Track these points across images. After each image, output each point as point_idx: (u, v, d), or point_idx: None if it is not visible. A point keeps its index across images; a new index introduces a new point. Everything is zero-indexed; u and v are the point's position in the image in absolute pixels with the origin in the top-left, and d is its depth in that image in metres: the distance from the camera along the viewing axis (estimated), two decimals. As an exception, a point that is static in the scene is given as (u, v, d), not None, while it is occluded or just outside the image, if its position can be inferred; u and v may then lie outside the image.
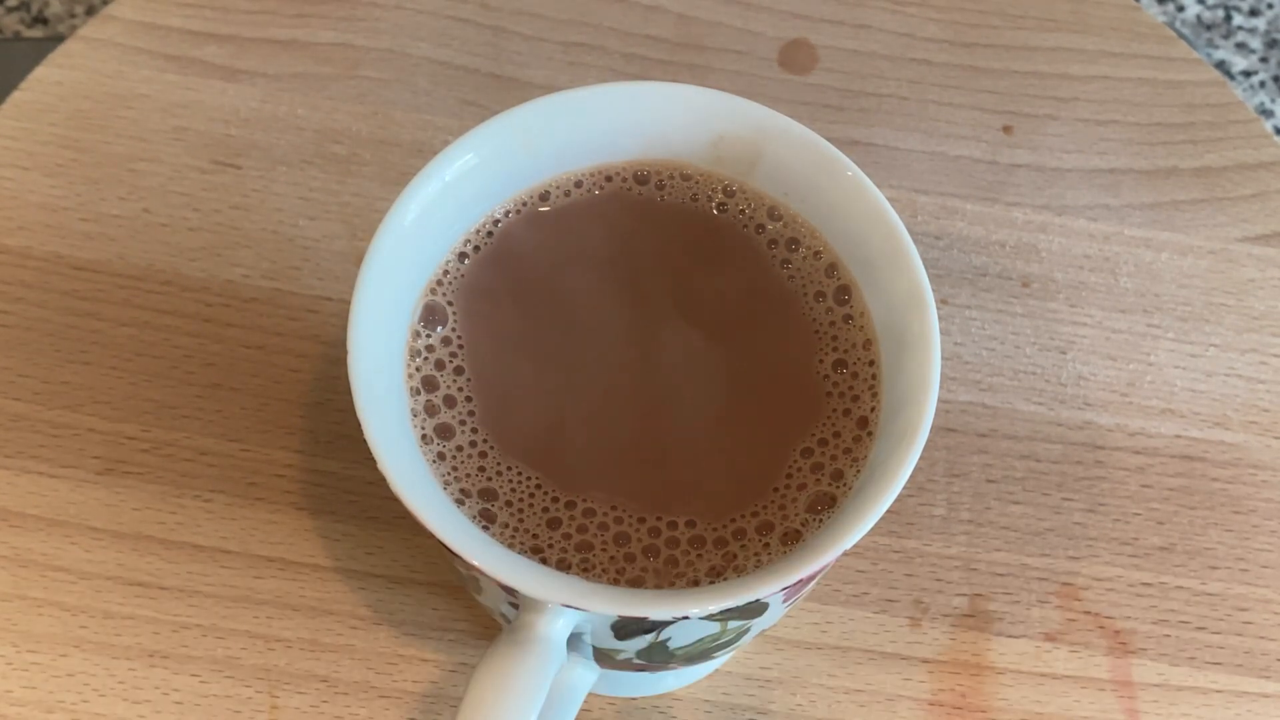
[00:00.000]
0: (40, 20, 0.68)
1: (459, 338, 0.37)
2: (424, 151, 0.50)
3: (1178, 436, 0.47)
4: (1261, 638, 0.44)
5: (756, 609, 0.34)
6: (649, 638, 0.34)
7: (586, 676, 0.37)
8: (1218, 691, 0.43)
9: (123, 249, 0.48)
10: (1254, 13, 0.71)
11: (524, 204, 0.38)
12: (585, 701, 0.38)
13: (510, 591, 0.32)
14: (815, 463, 0.35)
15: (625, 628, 0.33)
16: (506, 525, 0.34)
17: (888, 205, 0.37)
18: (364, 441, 0.33)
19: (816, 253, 0.38)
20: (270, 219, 0.49)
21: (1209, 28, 0.71)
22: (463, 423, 0.35)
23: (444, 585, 0.43)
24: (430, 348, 0.36)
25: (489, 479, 0.35)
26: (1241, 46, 0.70)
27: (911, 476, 0.33)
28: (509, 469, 0.35)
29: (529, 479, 0.35)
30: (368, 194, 0.50)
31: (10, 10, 0.68)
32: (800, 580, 0.32)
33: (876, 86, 0.53)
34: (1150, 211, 0.51)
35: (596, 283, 0.38)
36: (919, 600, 0.44)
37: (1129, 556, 0.45)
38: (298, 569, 0.43)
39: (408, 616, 0.43)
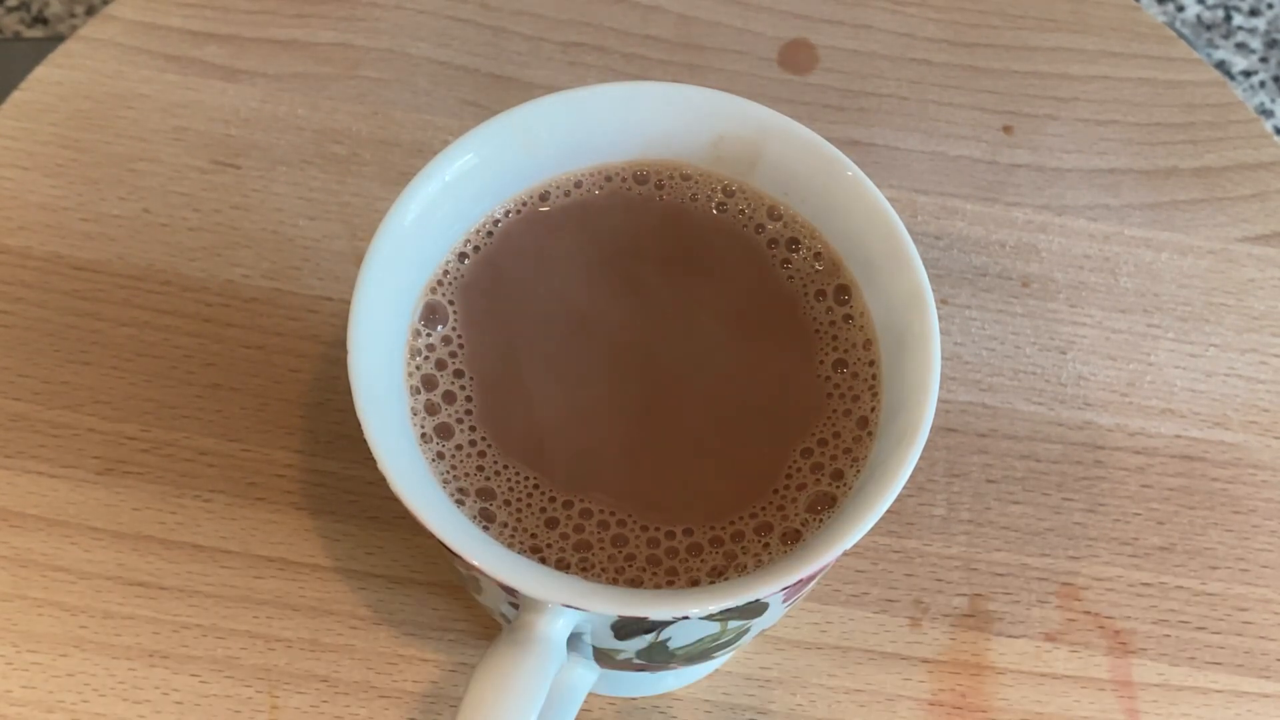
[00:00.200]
0: (40, 20, 0.68)
1: (459, 336, 0.37)
2: (424, 151, 0.50)
3: (1178, 436, 0.47)
4: (1261, 638, 0.44)
5: (756, 609, 0.34)
6: (649, 638, 0.34)
7: (586, 676, 0.37)
8: (1218, 691, 0.43)
9: (123, 249, 0.48)
10: (1254, 13, 0.71)
11: (524, 204, 0.38)
12: (585, 701, 0.38)
13: (510, 591, 0.32)
14: (815, 463, 0.35)
15: (625, 628, 0.33)
16: (505, 525, 0.34)
17: (888, 205, 0.37)
18: (364, 441, 0.33)
19: (816, 253, 0.38)
20: (270, 219, 0.49)
21: (1209, 28, 0.71)
22: (460, 421, 0.35)
23: (444, 585, 0.43)
24: (431, 346, 0.36)
25: (487, 478, 0.35)
26: (1241, 46, 0.70)
27: (911, 476, 0.33)
28: (507, 468, 0.35)
29: (527, 479, 0.35)
30: (368, 194, 0.50)
31: (10, 10, 0.68)
32: (800, 580, 0.32)
33: (876, 86, 0.53)
34: (1150, 211, 0.51)
35: (596, 283, 0.38)
36: (919, 600, 0.44)
37: (1129, 556, 0.45)
38: (298, 569, 0.43)
39: (408, 616, 0.43)
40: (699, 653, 0.36)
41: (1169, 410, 0.47)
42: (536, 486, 0.35)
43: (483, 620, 0.43)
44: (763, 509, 0.35)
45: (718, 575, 0.34)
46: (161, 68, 0.52)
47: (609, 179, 0.39)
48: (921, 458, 0.39)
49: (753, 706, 0.42)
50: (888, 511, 0.33)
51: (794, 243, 0.38)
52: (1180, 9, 0.71)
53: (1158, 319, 0.49)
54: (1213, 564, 0.45)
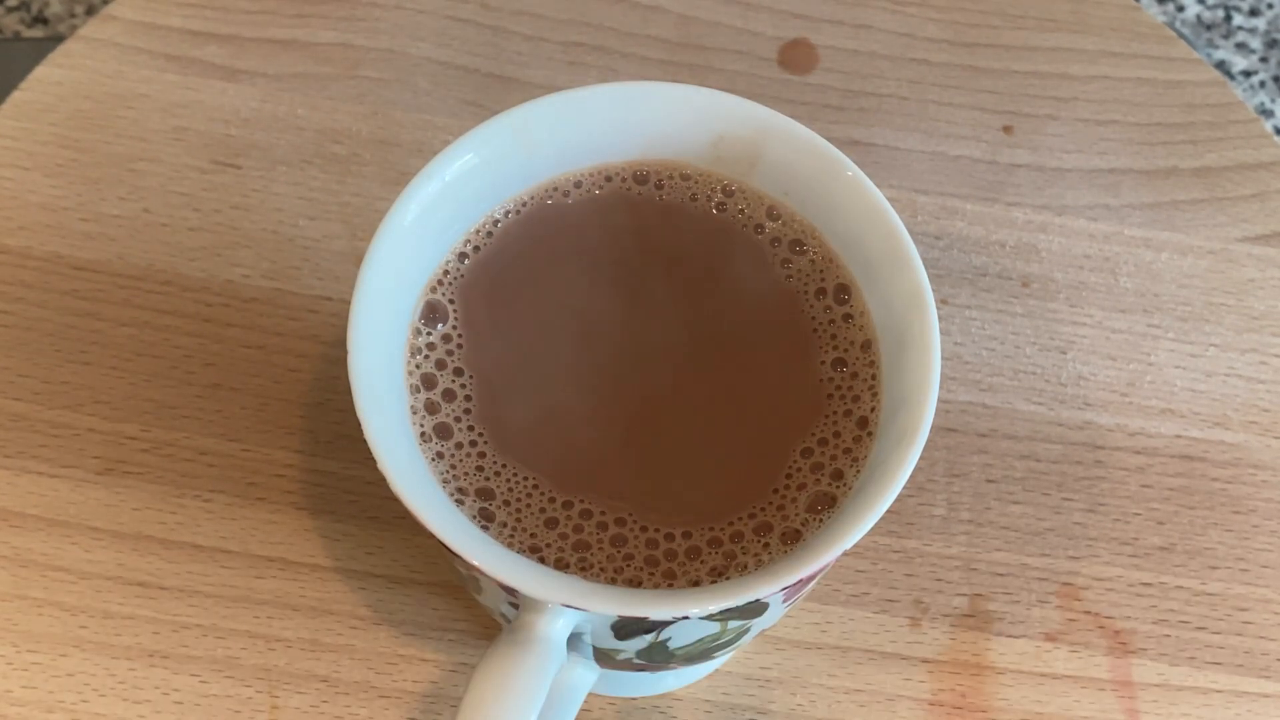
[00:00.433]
0: (40, 20, 0.68)
1: (459, 335, 0.37)
2: (424, 151, 0.50)
3: (1178, 436, 0.47)
4: (1261, 638, 0.44)
5: (756, 609, 0.34)
6: (649, 638, 0.34)
7: (586, 676, 0.37)
8: (1218, 691, 0.43)
9: (123, 249, 0.48)
10: (1254, 13, 0.71)
11: (524, 204, 0.38)
12: (585, 701, 0.38)
13: (510, 591, 0.32)
14: (815, 463, 0.35)
15: (625, 628, 0.33)
16: (505, 525, 0.34)
17: (888, 205, 0.37)
18: (364, 441, 0.33)
19: (816, 252, 0.38)
20: (270, 219, 0.49)
21: (1209, 28, 0.71)
22: (459, 420, 0.35)
23: (444, 585, 0.43)
24: (431, 345, 0.36)
25: (487, 478, 0.35)
26: (1241, 46, 0.70)
27: (911, 476, 0.33)
28: (506, 468, 0.35)
29: (526, 479, 0.35)
30: (368, 194, 0.50)
31: (10, 10, 0.68)
32: (800, 580, 0.32)
33: (876, 86, 0.53)
34: (1150, 211, 0.51)
35: (596, 283, 0.38)
36: (919, 600, 0.44)
37: (1129, 556, 0.45)
38: (298, 569, 0.43)
39: (408, 616, 0.43)
40: (699, 653, 0.36)
41: (1169, 410, 0.48)
42: (536, 486, 0.35)
43: (483, 620, 0.43)
44: (762, 509, 0.35)
45: (718, 575, 0.34)
46: (161, 68, 0.52)
47: (609, 179, 0.39)
48: (921, 458, 0.39)
49: (753, 706, 0.42)
50: (888, 511, 0.33)
51: (793, 242, 0.38)
52: (1180, 9, 0.71)
53: (1158, 319, 0.49)
54: (1213, 564, 0.45)
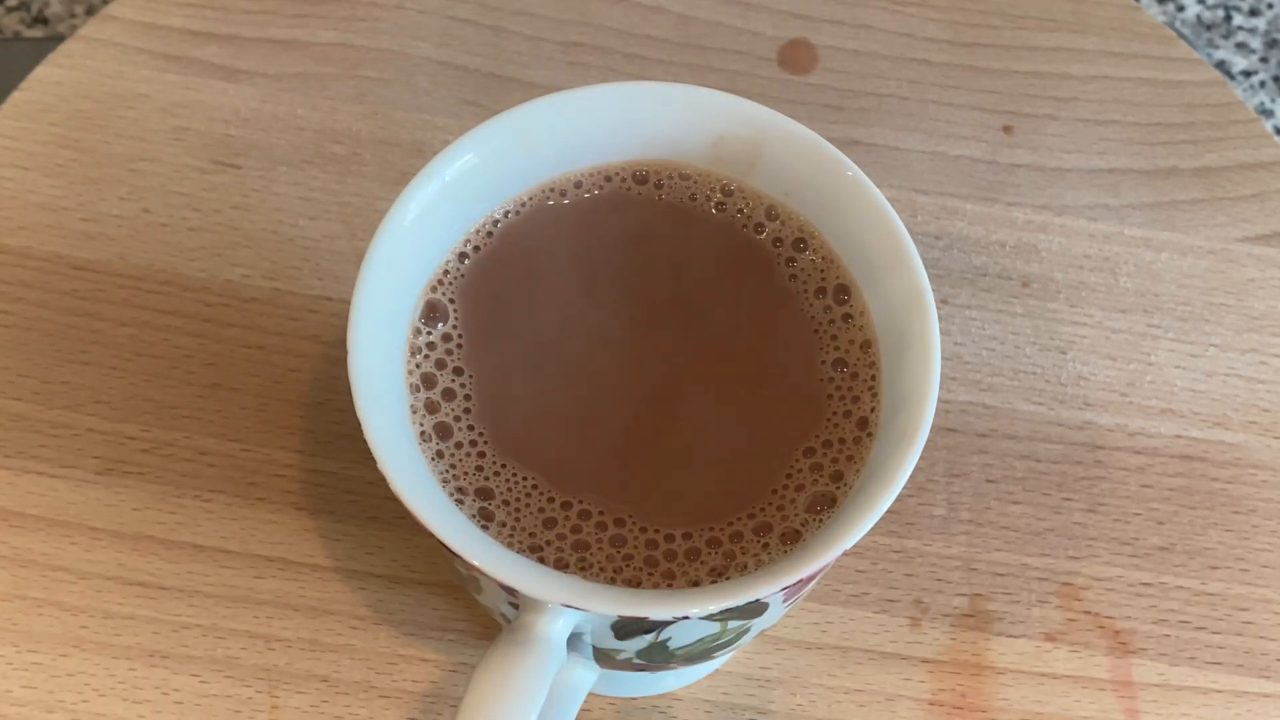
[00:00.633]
0: (40, 20, 0.68)
1: (459, 335, 0.37)
2: (424, 151, 0.50)
3: (1178, 436, 0.47)
4: (1261, 638, 0.44)
5: (756, 609, 0.34)
6: (649, 638, 0.34)
7: (586, 676, 0.37)
8: (1218, 691, 0.43)
9: (123, 249, 0.48)
10: (1254, 13, 0.71)
11: (524, 204, 0.38)
12: (585, 701, 0.38)
13: (510, 591, 0.32)
14: (815, 463, 0.35)
15: (625, 628, 0.33)
16: (504, 524, 0.34)
17: (888, 205, 0.37)
18: (364, 441, 0.33)
19: (816, 252, 0.38)
20: (270, 219, 0.49)
21: (1209, 28, 0.71)
22: (459, 420, 0.35)
23: (444, 585, 0.43)
24: (431, 344, 0.36)
25: (486, 478, 0.35)
26: (1241, 46, 0.70)
27: (911, 476, 0.33)
28: (505, 467, 0.35)
29: (525, 479, 0.35)
30: (368, 194, 0.50)
31: (10, 10, 0.68)
32: (800, 580, 0.32)
33: (876, 86, 0.53)
34: (1150, 211, 0.51)
35: (596, 283, 0.38)
36: (919, 600, 0.44)
37: (1129, 556, 0.45)
38: (298, 569, 0.43)
39: (408, 616, 0.43)
40: (699, 653, 0.36)
41: (1169, 410, 0.47)
42: (535, 487, 0.35)
43: (483, 620, 0.43)
44: (761, 509, 0.35)
45: (717, 576, 0.34)
46: (161, 68, 0.52)
47: (609, 179, 0.39)
48: (921, 458, 0.39)
49: (753, 706, 0.42)
50: (888, 511, 0.33)
51: (793, 242, 0.38)
52: (1180, 9, 0.71)
53: (1158, 319, 0.49)
54: (1213, 564, 0.45)
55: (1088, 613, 0.44)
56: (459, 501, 0.34)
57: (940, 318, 0.37)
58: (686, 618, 0.32)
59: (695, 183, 0.39)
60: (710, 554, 0.34)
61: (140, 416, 0.45)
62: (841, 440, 0.36)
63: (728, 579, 0.34)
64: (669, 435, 0.36)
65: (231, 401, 0.46)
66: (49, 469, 0.44)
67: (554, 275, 0.38)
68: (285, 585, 0.43)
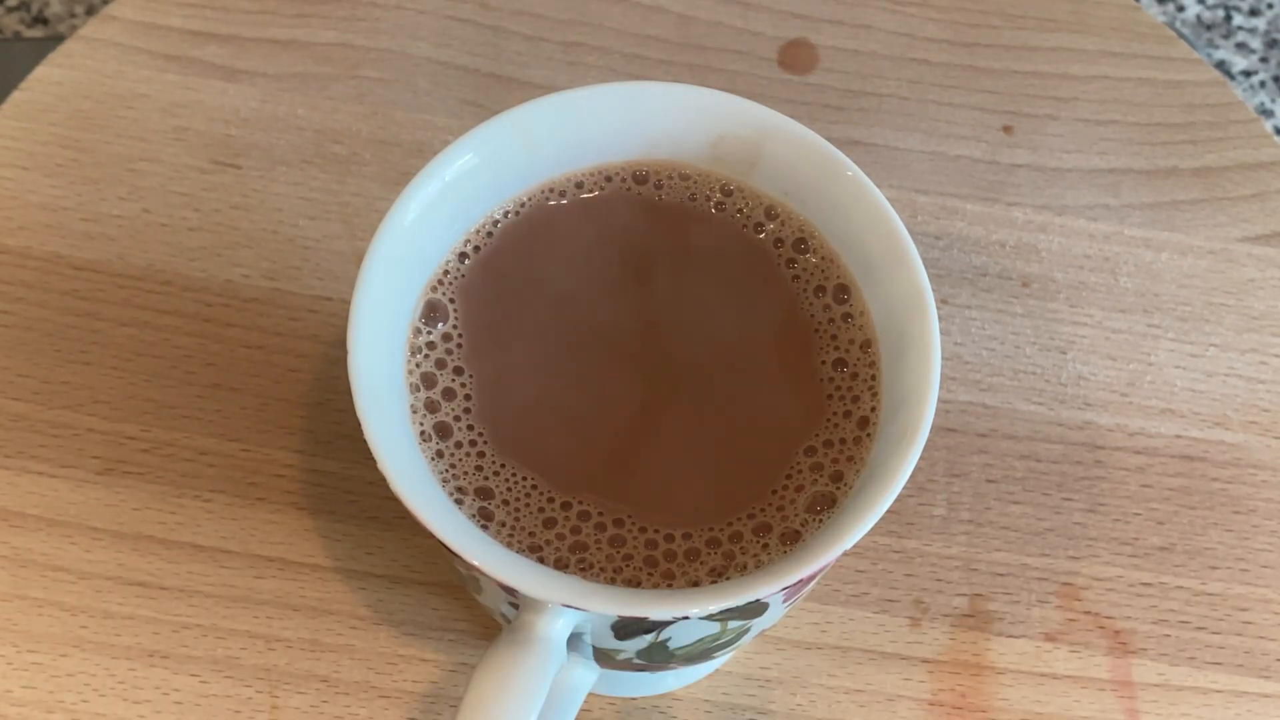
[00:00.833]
0: (40, 20, 0.68)
1: (459, 334, 0.37)
2: (424, 151, 0.50)
3: (1178, 436, 0.47)
4: (1261, 638, 0.44)
5: (756, 609, 0.34)
6: (649, 638, 0.34)
7: (586, 676, 0.37)
8: (1218, 691, 0.43)
9: (123, 249, 0.48)
10: (1254, 13, 0.71)
11: (524, 204, 0.38)
12: (585, 701, 0.38)
13: (510, 591, 0.32)
14: (815, 463, 0.35)
15: (625, 628, 0.33)
16: (504, 524, 0.34)
17: (888, 205, 0.37)
18: (364, 441, 0.33)
19: (816, 252, 0.38)
20: (270, 219, 0.49)
21: (1209, 28, 0.71)
22: (458, 419, 0.35)
23: (444, 585, 0.43)
24: (431, 344, 0.36)
25: (486, 478, 0.35)
26: (1241, 46, 0.70)
27: (911, 476, 0.33)
28: (505, 467, 0.35)
29: (525, 479, 0.35)
30: (368, 194, 0.50)
31: (10, 10, 0.68)
32: (800, 580, 0.32)
33: (876, 86, 0.53)
34: (1150, 211, 0.51)
35: (596, 283, 0.38)
36: (919, 600, 0.44)
37: (1129, 556, 0.45)
38: (298, 569, 0.43)
39: (408, 616, 0.43)
40: (699, 653, 0.36)
41: (1169, 410, 0.47)
42: (535, 487, 0.35)
43: (483, 620, 0.43)
44: (761, 510, 0.35)
45: (717, 576, 0.34)
46: (161, 68, 0.52)
47: (609, 179, 0.39)
48: (921, 458, 0.39)
49: (753, 706, 0.42)
50: (888, 511, 0.33)
51: (793, 242, 0.38)
52: (1180, 9, 0.71)
53: (1158, 319, 0.49)
54: (1213, 564, 0.45)
55: (1088, 613, 0.44)
56: (458, 501, 0.34)
57: (940, 318, 0.37)
58: (686, 618, 0.32)
59: (695, 183, 0.39)
60: (710, 554, 0.34)
61: (140, 416, 0.45)
62: (841, 440, 0.36)
63: (727, 579, 0.34)
64: (668, 435, 0.36)
65: (231, 401, 0.46)
66: (49, 469, 0.44)
67: (554, 275, 0.38)
68: (285, 585, 0.43)
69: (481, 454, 0.35)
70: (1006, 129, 0.53)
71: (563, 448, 0.35)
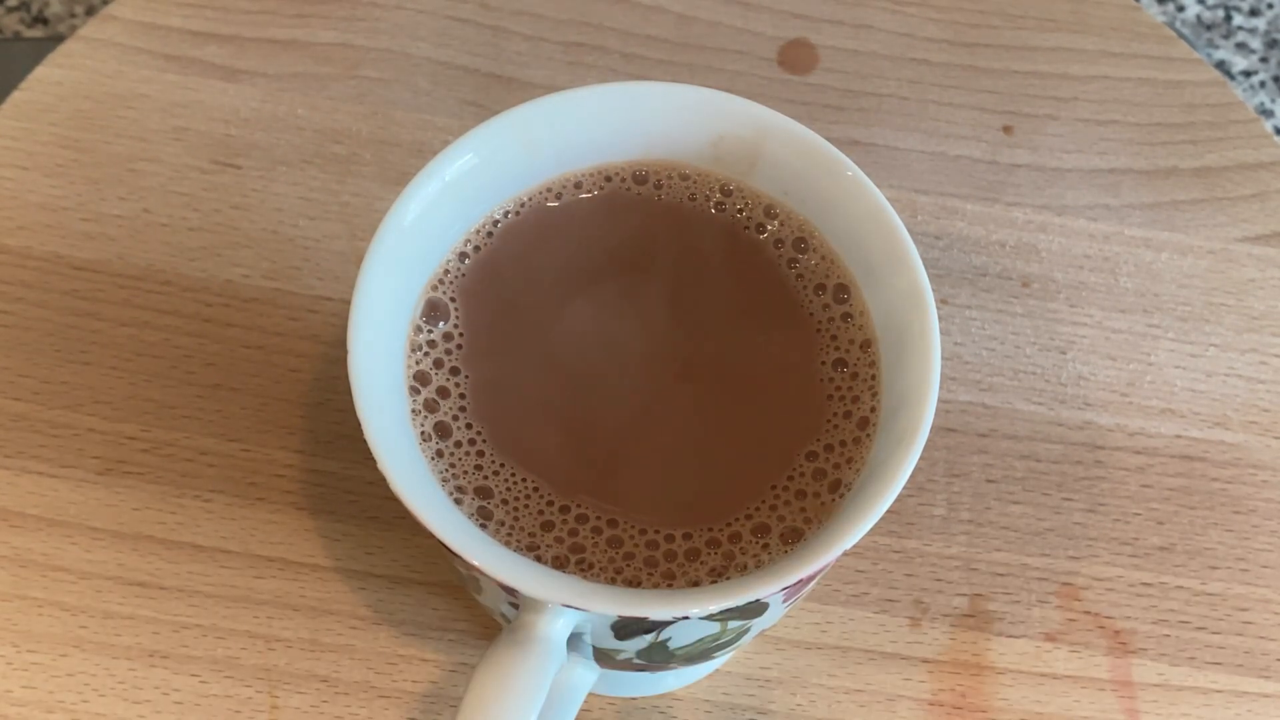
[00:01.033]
0: (40, 20, 0.68)
1: (459, 334, 0.37)
2: (424, 151, 0.50)
3: (1178, 436, 0.47)
4: (1261, 638, 0.44)
5: (756, 609, 0.34)
6: (649, 638, 0.34)
7: (586, 676, 0.37)
8: (1218, 691, 0.43)
9: (123, 249, 0.48)
10: (1254, 13, 0.71)
11: (524, 204, 0.38)
12: (585, 701, 0.38)
13: (510, 591, 0.32)
14: (815, 463, 0.35)
15: (625, 628, 0.33)
16: (503, 524, 0.34)
17: (888, 205, 0.37)
18: (364, 441, 0.33)
19: (816, 252, 0.38)
20: (270, 219, 0.49)
21: (1209, 28, 0.71)
22: (457, 419, 0.35)
23: (444, 585, 0.43)
24: (431, 343, 0.36)
25: (485, 477, 0.35)
26: (1241, 46, 0.70)
27: (911, 476, 0.33)
28: (504, 467, 0.35)
29: (524, 480, 0.35)
30: (368, 194, 0.50)
31: (10, 10, 0.68)
32: (800, 580, 0.32)
33: (876, 86, 0.53)
34: (1150, 211, 0.51)
35: (595, 282, 0.38)
36: (919, 600, 0.44)
37: (1129, 556, 0.45)
38: (298, 569, 0.43)
39: (408, 616, 0.43)
40: (699, 653, 0.36)
41: (1169, 410, 0.47)
42: (535, 489, 0.35)
43: (483, 620, 0.43)
44: (758, 509, 0.35)
45: (717, 576, 0.34)
46: (161, 68, 0.52)
47: (609, 179, 0.39)
48: (921, 458, 0.39)
49: (753, 706, 0.42)
50: (888, 511, 0.33)
51: (793, 242, 0.38)
52: (1180, 9, 0.71)
53: (1158, 319, 0.49)
54: (1213, 564, 0.45)
55: (1088, 613, 0.44)
56: (458, 501, 0.34)
57: (940, 318, 0.37)
58: (686, 618, 0.32)
59: (695, 183, 0.39)
60: (710, 554, 0.34)
61: (140, 416, 0.45)
62: (841, 440, 0.36)
63: (727, 579, 0.34)
64: (668, 435, 0.36)
65: (231, 401, 0.46)
66: (49, 469, 0.44)
67: (554, 275, 0.38)
68: (285, 585, 0.43)
69: (481, 453, 0.35)
70: (1006, 129, 0.53)
71: (562, 446, 0.35)
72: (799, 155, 0.38)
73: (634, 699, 0.42)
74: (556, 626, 0.32)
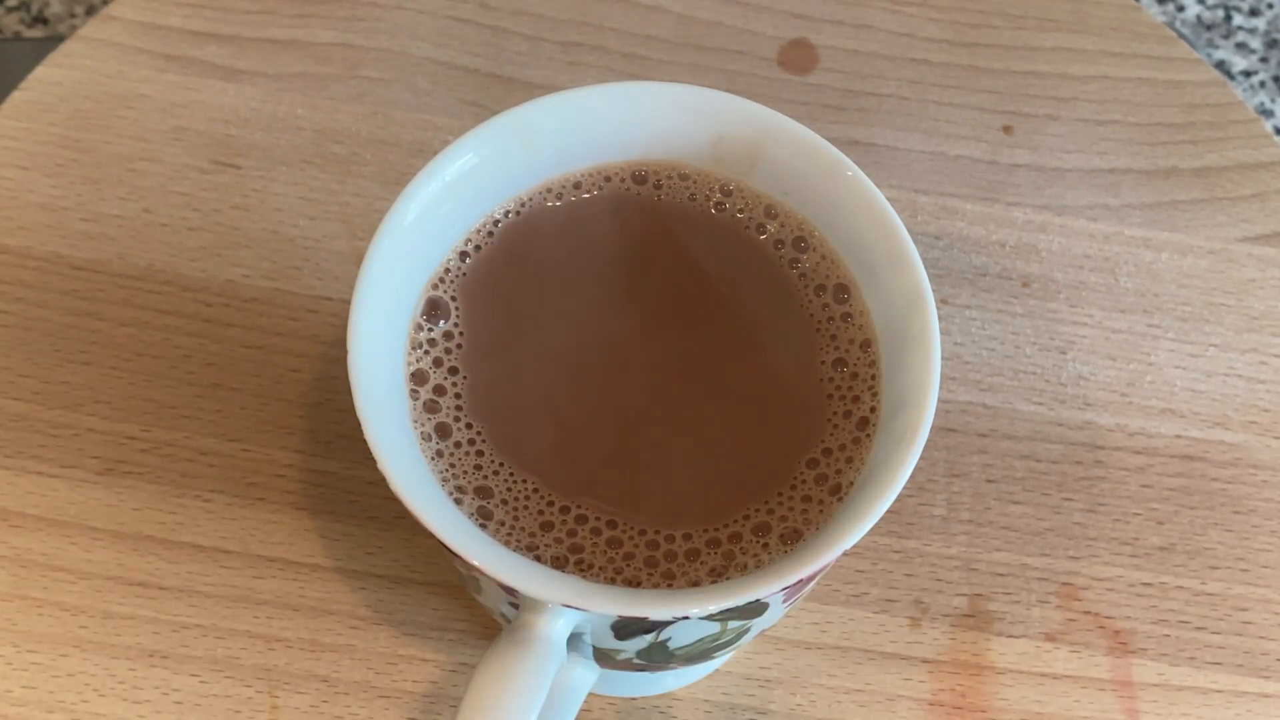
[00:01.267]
0: (40, 20, 0.68)
1: (460, 334, 0.37)
2: (424, 151, 0.50)
3: (1178, 436, 0.47)
4: (1261, 638, 0.44)
5: (756, 609, 0.34)
6: (649, 638, 0.34)
7: (586, 676, 0.37)
8: (1218, 691, 0.43)
9: (123, 249, 0.48)
10: (1254, 13, 0.71)
11: (524, 204, 0.38)
12: (585, 701, 0.38)
13: (510, 591, 0.32)
14: (814, 463, 0.35)
15: (625, 628, 0.33)
16: (503, 524, 0.34)
17: (888, 205, 0.37)
18: (364, 441, 0.33)
19: (816, 252, 0.38)
20: (270, 219, 0.49)
21: (1209, 28, 0.71)
22: (457, 419, 0.35)
23: (444, 585, 0.43)
24: (432, 341, 0.36)
25: (485, 477, 0.35)
26: (1241, 46, 0.70)
27: (911, 476, 0.33)
28: (504, 467, 0.35)
29: (524, 480, 0.35)
30: (368, 194, 0.50)
31: (10, 10, 0.68)
32: (800, 580, 0.32)
33: (876, 86, 0.53)
34: (1150, 211, 0.51)
35: (595, 283, 0.38)
36: (919, 600, 0.44)
37: (1129, 556, 0.45)
38: (298, 569, 0.43)
39: (408, 616, 0.43)
40: (699, 653, 0.36)
41: (1169, 410, 0.47)
42: (535, 490, 0.35)
43: (483, 620, 0.43)
44: (756, 510, 0.35)
45: (717, 576, 0.34)
46: (161, 68, 0.52)
47: (608, 179, 0.39)
48: (921, 458, 0.39)
49: (753, 706, 0.42)
50: (888, 511, 0.33)
51: (793, 242, 0.38)
52: (1180, 9, 0.71)
53: (1158, 319, 0.49)
54: (1213, 564, 0.45)
55: (1088, 613, 0.44)
56: (458, 501, 0.34)
57: (940, 318, 0.37)
58: (686, 618, 0.32)
59: (695, 183, 0.39)
60: (710, 554, 0.34)
61: (140, 416, 0.45)
62: (841, 441, 0.36)
63: (727, 579, 0.34)
64: (668, 435, 0.36)
65: (231, 401, 0.46)
66: (49, 469, 0.44)
67: (554, 275, 0.38)
68: (285, 585, 0.43)
69: (480, 453, 0.35)
70: (1006, 129, 0.53)
71: (563, 446, 0.35)
72: (799, 155, 0.38)
73: (634, 699, 0.42)
74: (556, 626, 0.32)
